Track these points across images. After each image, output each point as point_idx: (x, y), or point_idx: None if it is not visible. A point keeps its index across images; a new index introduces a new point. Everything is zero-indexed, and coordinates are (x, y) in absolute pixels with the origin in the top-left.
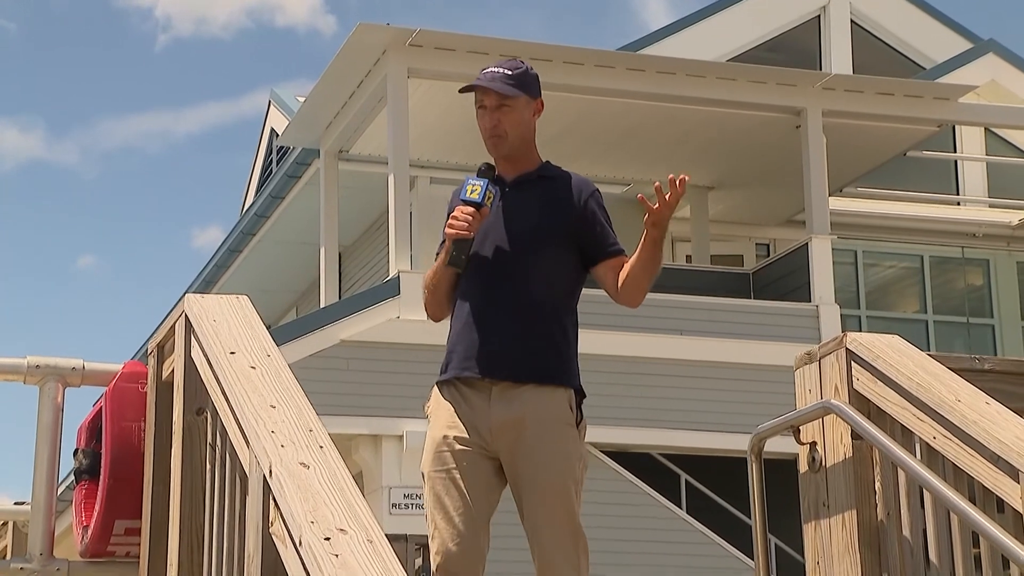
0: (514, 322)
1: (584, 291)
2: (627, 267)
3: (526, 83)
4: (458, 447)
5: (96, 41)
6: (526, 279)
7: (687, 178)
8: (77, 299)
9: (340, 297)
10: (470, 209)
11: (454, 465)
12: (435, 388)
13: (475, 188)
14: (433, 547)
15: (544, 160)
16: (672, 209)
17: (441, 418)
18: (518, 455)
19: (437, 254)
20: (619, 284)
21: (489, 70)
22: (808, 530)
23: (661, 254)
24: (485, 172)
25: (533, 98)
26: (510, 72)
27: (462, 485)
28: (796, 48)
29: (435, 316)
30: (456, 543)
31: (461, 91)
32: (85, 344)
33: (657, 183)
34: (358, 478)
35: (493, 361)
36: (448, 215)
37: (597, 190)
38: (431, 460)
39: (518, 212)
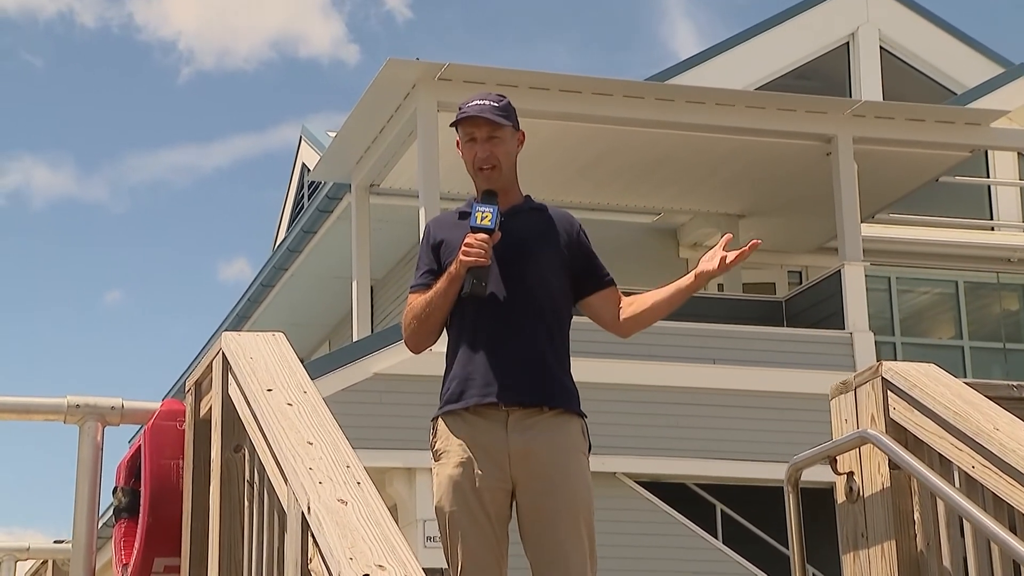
0: (532, 350)
1: None
2: (646, 302)
3: (510, 114)
4: (478, 483)
5: (121, 75)
6: (539, 308)
7: (759, 243)
8: (103, 334)
9: (373, 330)
10: (484, 236)
11: (476, 500)
12: (440, 422)
13: (486, 215)
14: None
15: (526, 193)
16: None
17: (455, 453)
18: (538, 484)
19: (420, 285)
20: (623, 316)
21: (475, 103)
22: (847, 561)
23: None
24: (491, 199)
25: (516, 129)
26: (496, 104)
27: (484, 521)
28: (825, 75)
29: (419, 348)
30: None
31: (452, 124)
32: (111, 378)
33: (729, 235)
34: (392, 511)
35: (515, 388)
36: (431, 245)
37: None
38: (449, 497)
39: (521, 242)
